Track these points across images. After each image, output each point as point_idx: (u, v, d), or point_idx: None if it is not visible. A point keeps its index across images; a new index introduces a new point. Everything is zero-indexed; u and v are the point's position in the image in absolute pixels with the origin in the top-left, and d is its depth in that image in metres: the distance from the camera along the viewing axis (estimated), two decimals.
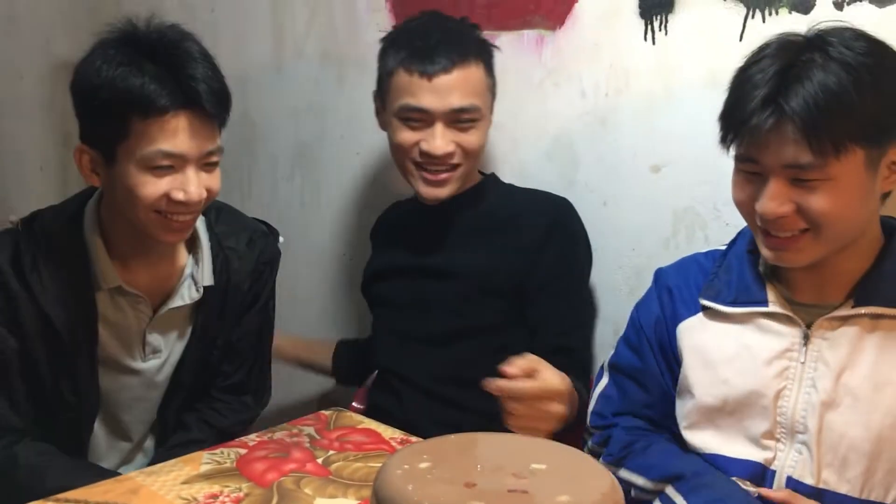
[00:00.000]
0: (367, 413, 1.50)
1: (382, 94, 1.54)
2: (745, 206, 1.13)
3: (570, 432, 1.25)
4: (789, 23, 1.33)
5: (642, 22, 1.53)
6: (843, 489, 1.10)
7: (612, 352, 1.35)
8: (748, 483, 1.15)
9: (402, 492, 0.65)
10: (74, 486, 1.13)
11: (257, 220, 1.53)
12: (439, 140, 1.45)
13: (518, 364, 1.12)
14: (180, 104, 1.20)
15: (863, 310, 1.10)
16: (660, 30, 1.51)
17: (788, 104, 1.02)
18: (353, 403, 1.73)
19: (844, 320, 1.12)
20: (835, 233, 1.08)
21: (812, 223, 1.07)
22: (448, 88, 1.45)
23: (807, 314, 1.14)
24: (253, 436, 1.28)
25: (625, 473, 1.22)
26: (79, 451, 1.37)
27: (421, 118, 1.46)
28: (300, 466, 1.20)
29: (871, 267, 1.13)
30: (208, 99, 1.22)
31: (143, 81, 1.19)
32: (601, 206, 1.64)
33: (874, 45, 1.06)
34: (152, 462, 1.37)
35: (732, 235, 1.27)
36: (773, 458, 1.15)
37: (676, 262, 1.32)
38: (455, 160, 1.49)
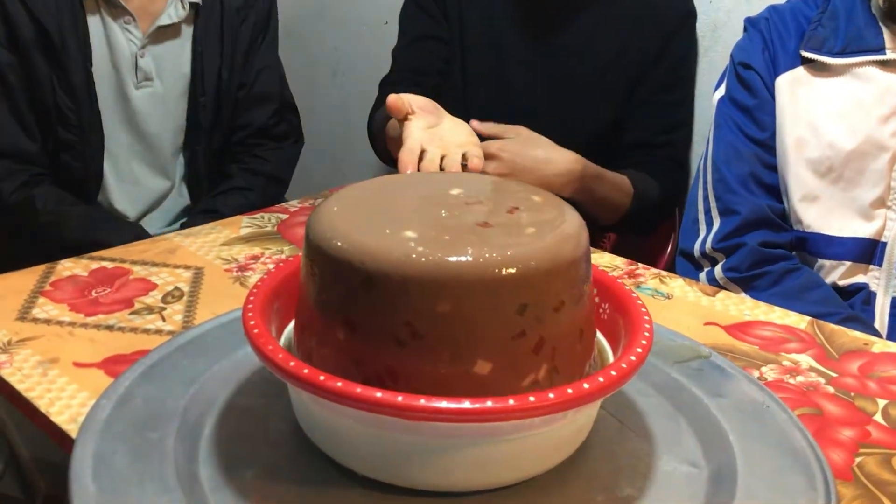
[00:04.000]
0: None
1: None
2: None
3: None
4: None
5: None
6: None
7: None
8: None
9: (385, 247, 0.51)
10: (93, 237, 1.16)
11: None
12: None
13: None
14: None
15: None
16: None
17: None
18: None
19: None
20: None
21: None
22: None
23: None
24: (294, 202, 1.22)
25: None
26: (93, 199, 1.39)
27: None
28: None
29: None
30: None
31: None
32: None
33: None
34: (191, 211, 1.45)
35: None
36: (883, 228, 1.03)
37: (768, 7, 1.14)
38: None
